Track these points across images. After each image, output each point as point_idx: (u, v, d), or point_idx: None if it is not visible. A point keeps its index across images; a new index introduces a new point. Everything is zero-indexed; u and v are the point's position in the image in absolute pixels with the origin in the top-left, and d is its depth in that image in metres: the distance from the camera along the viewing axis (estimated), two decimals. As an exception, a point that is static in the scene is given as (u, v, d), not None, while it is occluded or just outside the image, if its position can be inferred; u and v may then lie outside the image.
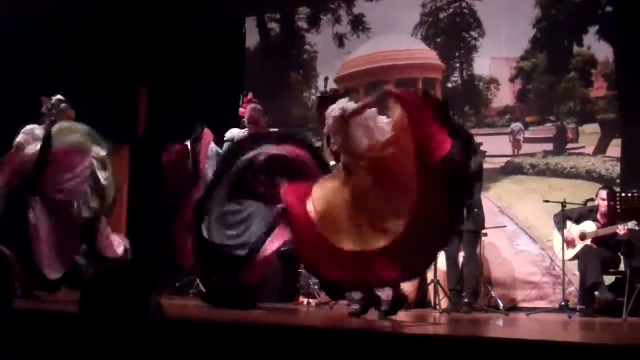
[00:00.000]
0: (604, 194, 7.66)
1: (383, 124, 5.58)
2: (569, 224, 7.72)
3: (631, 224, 7.17)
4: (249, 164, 6.36)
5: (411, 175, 5.22)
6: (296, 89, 11.20)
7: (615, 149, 8.76)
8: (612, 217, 7.47)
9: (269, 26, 11.56)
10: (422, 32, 10.35)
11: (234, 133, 7.68)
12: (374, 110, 5.64)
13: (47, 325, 4.45)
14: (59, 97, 7.11)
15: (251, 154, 6.38)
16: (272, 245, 6.27)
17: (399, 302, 5.63)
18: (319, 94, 6.13)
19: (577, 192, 8.33)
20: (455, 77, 10.12)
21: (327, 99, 6.00)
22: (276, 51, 11.46)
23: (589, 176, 8.79)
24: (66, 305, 5.47)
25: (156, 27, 11.13)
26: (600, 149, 8.90)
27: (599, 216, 7.74)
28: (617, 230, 7.35)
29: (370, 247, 5.30)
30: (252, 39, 11.53)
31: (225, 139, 7.73)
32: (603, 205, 7.60)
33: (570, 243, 7.70)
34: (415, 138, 5.21)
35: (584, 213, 7.81)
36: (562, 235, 7.65)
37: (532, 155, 9.32)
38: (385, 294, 5.97)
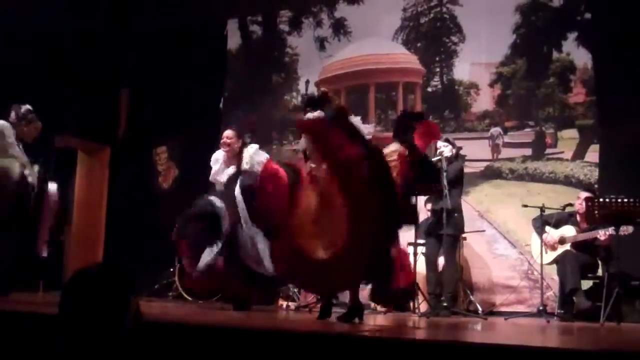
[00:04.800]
0: (584, 195, 7.77)
1: None
2: (548, 227, 7.76)
3: (611, 230, 7.22)
4: None
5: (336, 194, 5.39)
6: (277, 92, 11.20)
7: (593, 154, 8.82)
8: (591, 221, 7.52)
9: (250, 28, 11.56)
10: (403, 36, 10.39)
11: (217, 155, 7.55)
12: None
13: (25, 326, 4.42)
14: (28, 107, 7.08)
15: None
16: None
17: (356, 309, 5.67)
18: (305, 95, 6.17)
19: (555, 197, 8.38)
20: (435, 81, 10.16)
21: (317, 100, 6.02)
22: (257, 53, 11.45)
23: (567, 181, 8.85)
24: (45, 306, 5.44)
25: (138, 28, 11.10)
26: (579, 154, 8.97)
27: (578, 219, 7.80)
28: (598, 236, 7.41)
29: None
30: (234, 41, 11.53)
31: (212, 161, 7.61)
32: (582, 207, 7.67)
33: (549, 246, 7.74)
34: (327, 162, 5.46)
35: (563, 217, 7.86)
36: (541, 238, 7.69)
37: (511, 159, 9.37)
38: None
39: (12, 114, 7.01)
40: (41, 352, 3.45)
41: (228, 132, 7.37)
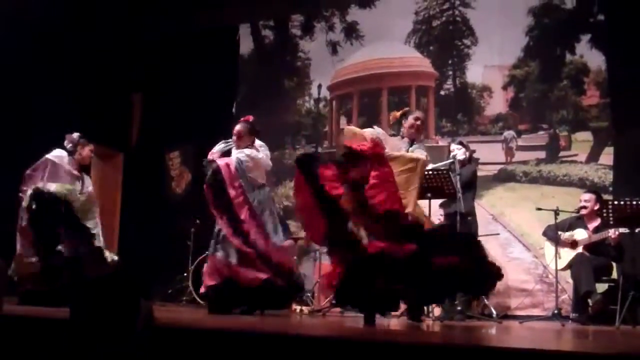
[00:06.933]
0: (586, 196, 7.83)
1: None
2: (561, 234, 7.73)
3: (622, 229, 7.19)
4: None
5: None
6: (290, 96, 11.21)
7: (607, 156, 8.79)
8: (600, 219, 7.54)
9: (262, 33, 11.57)
10: (415, 39, 10.38)
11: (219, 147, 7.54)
12: None
13: (38, 331, 4.43)
14: (78, 134, 7.45)
15: None
16: None
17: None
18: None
19: (569, 200, 8.35)
20: (448, 84, 10.14)
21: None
22: (270, 58, 11.47)
23: (582, 184, 8.81)
24: (57, 311, 5.45)
25: (150, 33, 11.12)
26: (593, 157, 8.93)
27: (585, 220, 7.78)
28: (609, 234, 7.38)
29: None
30: (246, 46, 11.54)
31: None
32: (585, 209, 7.75)
33: (567, 244, 7.71)
34: None
35: (573, 221, 7.84)
36: (556, 248, 7.65)
37: (525, 162, 9.34)
38: None
39: (68, 143, 7.41)
40: (53, 356, 3.46)
41: (239, 127, 7.39)
